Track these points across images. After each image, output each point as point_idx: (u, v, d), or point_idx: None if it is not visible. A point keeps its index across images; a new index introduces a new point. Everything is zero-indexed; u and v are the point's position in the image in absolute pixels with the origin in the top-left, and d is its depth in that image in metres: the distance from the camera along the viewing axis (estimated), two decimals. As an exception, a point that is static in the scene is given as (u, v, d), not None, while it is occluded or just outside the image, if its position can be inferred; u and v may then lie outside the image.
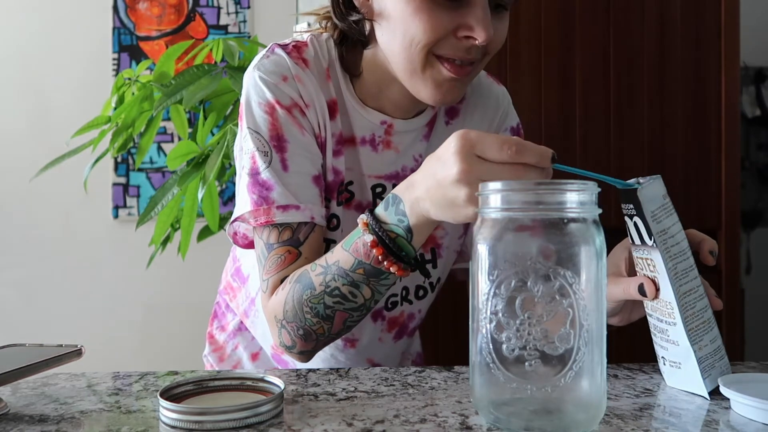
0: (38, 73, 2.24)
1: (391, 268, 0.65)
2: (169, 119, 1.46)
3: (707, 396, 0.59)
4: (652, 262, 0.60)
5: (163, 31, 2.24)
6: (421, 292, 0.88)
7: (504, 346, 0.49)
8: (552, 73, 1.62)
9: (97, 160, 1.53)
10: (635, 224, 0.60)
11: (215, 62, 1.53)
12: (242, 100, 0.77)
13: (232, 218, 0.78)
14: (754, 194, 2.76)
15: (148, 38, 2.23)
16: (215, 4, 2.23)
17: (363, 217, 0.65)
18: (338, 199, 0.80)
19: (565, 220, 0.49)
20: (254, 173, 0.75)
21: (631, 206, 0.59)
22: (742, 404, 0.54)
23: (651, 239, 0.59)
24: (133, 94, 1.51)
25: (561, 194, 0.49)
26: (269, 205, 0.73)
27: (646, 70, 1.64)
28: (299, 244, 0.74)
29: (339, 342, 0.87)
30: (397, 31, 0.70)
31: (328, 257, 0.69)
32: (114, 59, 2.23)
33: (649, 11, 1.64)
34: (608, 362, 0.53)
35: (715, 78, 1.65)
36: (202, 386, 0.59)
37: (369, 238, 0.64)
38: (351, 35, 0.78)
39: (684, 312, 0.59)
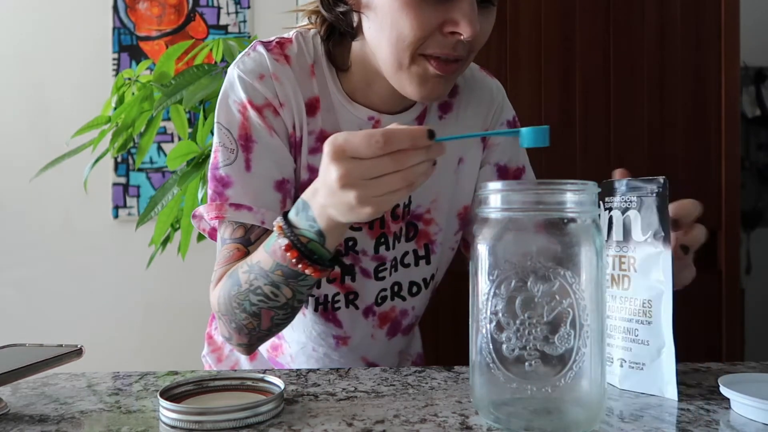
0: (38, 73, 2.24)
1: (306, 271, 0.65)
2: (169, 119, 1.46)
3: (677, 396, 0.58)
4: (630, 260, 0.60)
5: (163, 31, 2.24)
6: (414, 289, 0.87)
7: (504, 346, 0.49)
8: (552, 73, 1.62)
9: (97, 160, 1.53)
10: (625, 219, 0.61)
11: (215, 62, 1.53)
12: (220, 95, 0.78)
13: (193, 212, 0.79)
14: (754, 194, 2.76)
15: (148, 38, 2.23)
16: (215, 4, 2.23)
17: (278, 221, 0.66)
18: None
19: (565, 220, 0.49)
20: (214, 167, 0.76)
21: (633, 198, 0.59)
22: (742, 404, 0.54)
23: (648, 234, 0.59)
24: (133, 94, 1.51)
25: (561, 194, 0.49)
26: (223, 201, 0.75)
27: (646, 70, 1.64)
28: (249, 243, 0.75)
29: (332, 341, 0.87)
30: (385, 25, 0.70)
31: (253, 257, 0.70)
32: (114, 59, 2.23)
33: (649, 11, 1.64)
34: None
35: (715, 78, 1.65)
36: (202, 386, 0.59)
37: (283, 241, 0.64)
38: (338, 27, 0.78)
39: (673, 310, 0.59)
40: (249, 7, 2.24)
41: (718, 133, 1.65)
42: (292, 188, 0.78)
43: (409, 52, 0.69)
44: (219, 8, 2.24)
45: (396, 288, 0.86)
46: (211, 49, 1.53)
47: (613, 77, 1.64)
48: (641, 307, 0.60)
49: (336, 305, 0.85)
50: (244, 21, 2.23)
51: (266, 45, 0.78)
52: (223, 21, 2.24)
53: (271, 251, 0.67)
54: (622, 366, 0.62)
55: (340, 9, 0.75)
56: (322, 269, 0.66)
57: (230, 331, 0.75)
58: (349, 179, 0.55)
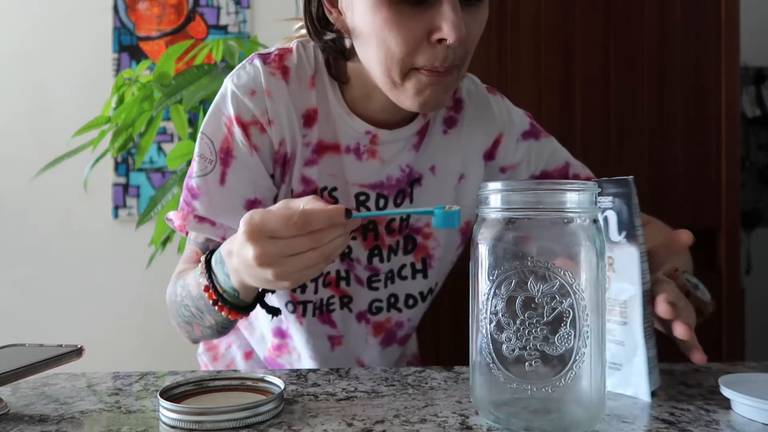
0: (38, 73, 2.24)
1: (222, 312, 0.67)
2: (169, 119, 1.46)
3: (649, 397, 0.58)
4: (610, 260, 0.60)
5: (163, 31, 2.24)
6: (411, 301, 0.87)
7: (504, 346, 0.49)
8: (552, 73, 1.62)
9: (97, 160, 1.53)
10: (605, 219, 0.60)
11: (215, 62, 1.53)
12: (212, 104, 0.78)
13: (166, 214, 0.81)
14: (754, 194, 2.76)
15: (148, 38, 2.23)
16: (215, 4, 2.23)
17: (203, 259, 0.68)
18: None
19: (565, 220, 0.49)
20: (189, 176, 0.78)
21: (610, 199, 0.60)
22: (742, 404, 0.54)
23: (622, 234, 0.59)
24: (133, 94, 1.51)
25: (561, 194, 0.49)
26: (189, 211, 0.76)
27: (646, 70, 1.64)
28: (207, 250, 0.76)
29: (326, 342, 0.87)
30: (371, 45, 0.69)
31: (188, 276, 0.73)
32: (114, 59, 2.23)
33: (649, 11, 1.64)
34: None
35: (715, 78, 1.65)
36: (202, 386, 0.59)
37: (203, 281, 0.67)
38: (329, 53, 0.78)
39: (644, 311, 0.59)
40: (249, 7, 2.24)
41: (718, 133, 1.65)
42: (263, 208, 0.77)
43: (400, 68, 0.68)
44: (219, 8, 2.24)
45: (392, 299, 0.86)
46: (211, 49, 1.53)
47: (613, 77, 1.64)
48: (619, 308, 0.60)
49: (331, 307, 0.85)
50: (244, 21, 2.23)
51: (264, 58, 0.77)
52: (223, 21, 2.24)
53: (197, 282, 0.69)
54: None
55: (328, 37, 0.75)
56: (239, 313, 0.67)
57: (175, 325, 0.79)
58: (266, 258, 0.56)
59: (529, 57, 1.62)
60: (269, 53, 0.79)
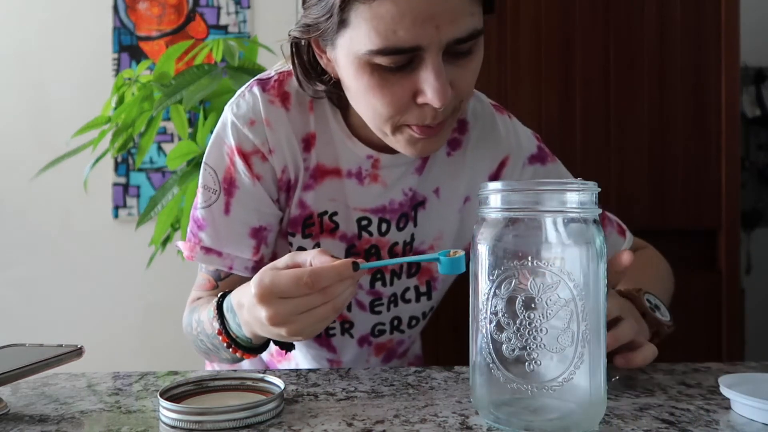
0: (38, 73, 2.24)
1: (236, 354, 0.69)
2: (169, 119, 1.46)
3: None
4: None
5: (163, 31, 2.24)
6: (413, 322, 0.87)
7: (504, 346, 0.49)
8: (552, 73, 1.62)
9: (97, 160, 1.53)
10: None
11: (215, 62, 1.53)
12: (213, 134, 0.78)
13: (176, 242, 0.83)
14: (754, 194, 2.76)
15: (148, 38, 2.23)
16: (215, 4, 2.23)
17: (214, 303, 0.69)
18: (304, 233, 0.79)
19: (565, 220, 0.49)
20: (194, 207, 0.78)
21: None
22: (742, 404, 0.54)
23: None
24: (133, 94, 1.51)
25: (561, 194, 0.49)
26: (196, 242, 0.77)
27: (646, 70, 1.64)
28: (219, 278, 0.79)
29: (325, 363, 0.87)
30: (359, 103, 0.69)
31: (202, 313, 0.73)
32: (114, 59, 2.23)
33: (649, 11, 1.64)
34: (608, 362, 0.53)
35: (715, 78, 1.65)
36: (202, 386, 0.59)
37: (216, 325, 0.68)
38: (322, 97, 0.76)
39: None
40: (249, 7, 2.24)
41: (718, 133, 1.65)
42: (270, 234, 0.78)
43: (389, 125, 0.67)
44: (219, 8, 2.24)
45: (395, 322, 0.86)
46: (211, 49, 1.53)
47: (613, 77, 1.64)
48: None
49: (331, 332, 0.85)
50: (244, 21, 2.23)
51: (264, 85, 0.76)
52: (223, 21, 2.24)
53: (210, 322, 0.70)
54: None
55: (320, 88, 0.74)
56: (253, 353, 0.70)
57: (194, 348, 0.80)
58: (279, 318, 0.57)
59: (529, 57, 1.62)
60: (269, 79, 0.77)
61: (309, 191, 0.78)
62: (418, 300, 0.85)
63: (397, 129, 0.68)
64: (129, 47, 2.23)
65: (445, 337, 1.50)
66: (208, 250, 0.76)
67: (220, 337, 0.68)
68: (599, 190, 0.52)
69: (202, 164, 0.78)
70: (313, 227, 0.79)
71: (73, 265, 2.22)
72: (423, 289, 0.84)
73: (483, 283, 0.50)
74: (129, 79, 1.54)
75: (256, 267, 0.76)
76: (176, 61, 1.51)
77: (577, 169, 1.73)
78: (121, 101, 1.53)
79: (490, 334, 0.50)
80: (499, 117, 0.85)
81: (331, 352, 0.86)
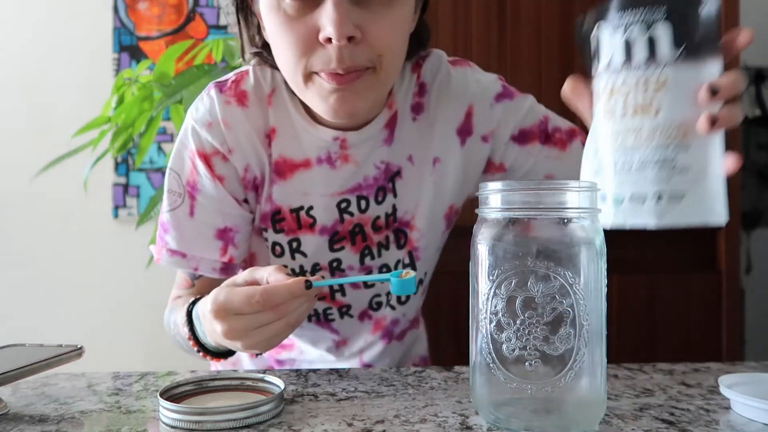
0: (38, 73, 2.24)
1: (206, 358, 0.72)
2: (169, 119, 1.46)
3: (723, 220, 0.53)
4: (660, 82, 0.53)
5: (163, 31, 2.24)
6: (403, 297, 0.87)
7: (504, 346, 0.49)
8: (552, 73, 1.62)
9: (97, 160, 1.53)
10: (651, 34, 0.53)
11: (215, 62, 1.53)
12: (177, 139, 0.80)
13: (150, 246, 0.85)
14: (754, 194, 2.75)
15: (148, 38, 2.23)
16: (215, 4, 2.23)
17: (185, 310, 0.72)
18: (275, 228, 0.80)
19: (565, 220, 0.49)
20: (161, 211, 0.80)
21: (659, 9, 0.52)
22: (742, 404, 0.54)
23: (680, 50, 0.51)
24: (133, 94, 1.51)
25: (561, 194, 0.49)
26: (162, 245, 0.79)
27: (646, 70, 1.64)
28: (194, 277, 0.82)
29: (330, 342, 0.87)
30: (277, 54, 0.69)
31: (177, 314, 0.76)
32: (114, 59, 2.22)
33: (649, 11, 1.64)
34: (608, 362, 0.53)
35: (715, 78, 1.65)
36: (202, 386, 0.59)
37: (185, 332, 0.71)
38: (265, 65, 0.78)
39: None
40: (249, 7, 2.24)
41: (718, 133, 1.65)
42: (237, 234, 0.79)
43: (299, 72, 0.67)
44: (219, 8, 2.24)
45: (388, 295, 0.86)
46: (211, 49, 1.53)
47: (613, 77, 1.63)
48: (676, 132, 0.53)
49: (330, 317, 0.85)
50: (244, 21, 2.23)
51: (221, 86, 0.77)
52: (223, 21, 2.24)
53: (183, 326, 0.72)
54: (659, 202, 0.53)
55: (254, 51, 0.76)
56: (222, 357, 0.73)
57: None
58: (234, 333, 0.60)
59: (529, 57, 1.62)
60: (226, 80, 0.78)
61: (274, 186, 0.78)
62: None
63: (308, 79, 0.67)
64: (129, 47, 2.23)
65: (445, 337, 1.50)
66: (173, 252, 0.78)
67: (191, 342, 0.71)
68: (599, 190, 0.52)
69: (167, 169, 0.79)
70: (283, 222, 0.80)
71: (73, 265, 2.22)
72: (407, 260, 0.84)
73: (483, 283, 0.50)
74: (129, 79, 1.54)
75: (226, 268, 0.79)
76: (176, 61, 1.51)
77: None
78: (121, 101, 1.53)
79: (490, 334, 0.50)
80: (456, 70, 0.84)
81: (333, 333, 0.87)
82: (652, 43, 0.52)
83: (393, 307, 0.87)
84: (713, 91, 0.51)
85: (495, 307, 0.49)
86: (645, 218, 0.54)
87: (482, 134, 0.83)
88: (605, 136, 0.56)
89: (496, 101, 0.83)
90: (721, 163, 0.52)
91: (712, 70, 0.51)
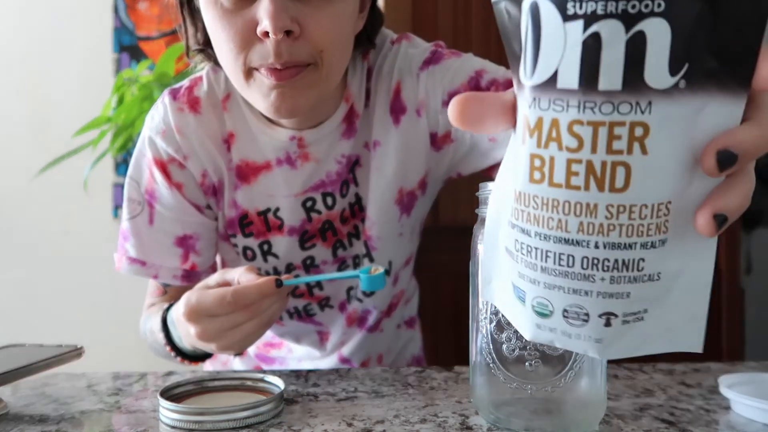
0: (38, 73, 2.24)
1: (183, 362, 0.74)
2: (169, 119, 1.46)
3: (701, 348, 0.36)
4: (636, 129, 0.27)
5: (163, 31, 2.24)
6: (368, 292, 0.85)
7: (504, 346, 0.49)
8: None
9: (97, 160, 1.53)
10: (631, 41, 0.26)
11: (215, 62, 1.53)
12: (135, 147, 0.80)
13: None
14: (754, 194, 2.74)
15: (148, 38, 2.23)
16: (215, 4, 2.23)
17: (159, 316, 0.73)
18: (244, 232, 0.80)
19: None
20: (122, 219, 0.80)
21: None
22: (742, 404, 0.54)
23: (681, 71, 0.27)
24: (133, 94, 1.51)
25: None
26: (122, 254, 0.79)
27: (646, 70, 1.64)
28: (166, 285, 0.81)
29: (315, 338, 0.87)
30: (218, 50, 0.67)
31: (152, 322, 0.76)
32: (114, 59, 2.23)
33: (649, 11, 1.64)
34: (608, 362, 0.53)
35: (715, 78, 1.65)
36: (202, 386, 0.59)
37: (161, 338, 0.73)
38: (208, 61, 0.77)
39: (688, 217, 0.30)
40: (249, 7, 2.24)
41: (718, 133, 1.65)
42: (198, 242, 0.79)
43: (239, 68, 0.65)
44: (219, 8, 2.24)
45: (351, 291, 0.85)
46: (211, 49, 1.53)
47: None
48: (653, 219, 0.29)
49: (310, 312, 0.85)
50: (244, 21, 2.23)
51: (174, 93, 0.77)
52: (223, 21, 2.24)
53: (159, 332, 0.73)
54: (609, 324, 0.32)
55: (196, 47, 0.75)
56: (199, 361, 0.74)
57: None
58: (207, 335, 0.62)
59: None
60: (180, 87, 0.78)
61: (238, 190, 0.78)
62: (361, 263, 0.83)
63: (248, 75, 0.66)
64: (129, 47, 2.23)
65: (445, 337, 1.50)
66: (133, 260, 0.78)
67: (167, 347, 0.73)
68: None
69: (127, 177, 0.79)
70: (252, 226, 0.79)
71: (73, 265, 2.22)
72: (363, 251, 0.82)
73: (483, 283, 0.50)
74: (129, 79, 1.54)
75: (187, 275, 0.79)
76: (176, 61, 1.51)
77: (577, 169, 1.74)
78: (121, 101, 1.53)
79: (490, 334, 0.50)
80: (394, 47, 0.79)
81: (316, 325, 0.87)
82: (631, 57, 0.27)
83: (360, 300, 0.85)
84: (729, 157, 0.28)
85: (495, 307, 0.49)
86: (584, 343, 0.33)
87: (416, 108, 0.77)
88: (520, 208, 0.32)
89: (420, 70, 0.77)
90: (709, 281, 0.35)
91: (731, 113, 0.28)
